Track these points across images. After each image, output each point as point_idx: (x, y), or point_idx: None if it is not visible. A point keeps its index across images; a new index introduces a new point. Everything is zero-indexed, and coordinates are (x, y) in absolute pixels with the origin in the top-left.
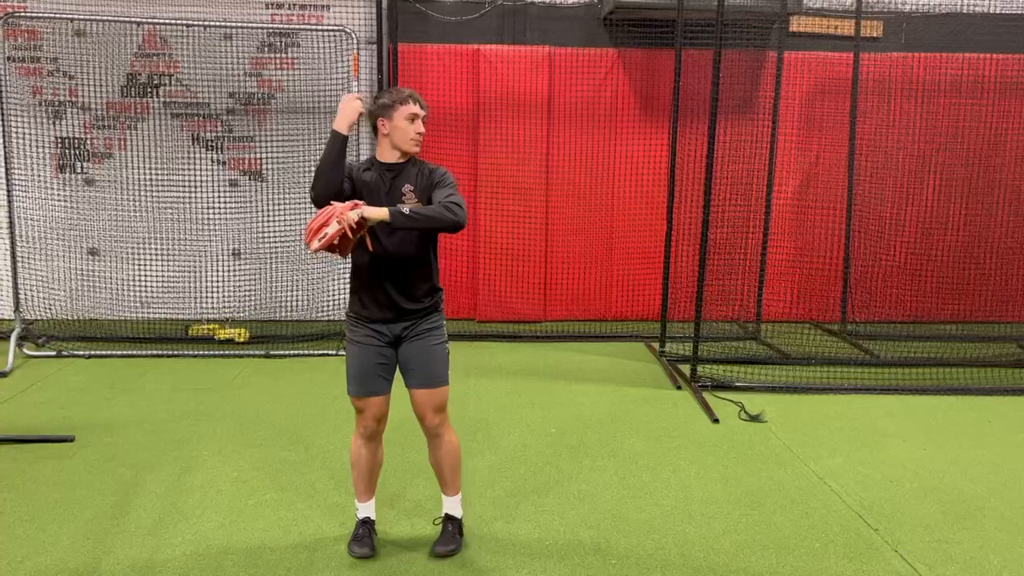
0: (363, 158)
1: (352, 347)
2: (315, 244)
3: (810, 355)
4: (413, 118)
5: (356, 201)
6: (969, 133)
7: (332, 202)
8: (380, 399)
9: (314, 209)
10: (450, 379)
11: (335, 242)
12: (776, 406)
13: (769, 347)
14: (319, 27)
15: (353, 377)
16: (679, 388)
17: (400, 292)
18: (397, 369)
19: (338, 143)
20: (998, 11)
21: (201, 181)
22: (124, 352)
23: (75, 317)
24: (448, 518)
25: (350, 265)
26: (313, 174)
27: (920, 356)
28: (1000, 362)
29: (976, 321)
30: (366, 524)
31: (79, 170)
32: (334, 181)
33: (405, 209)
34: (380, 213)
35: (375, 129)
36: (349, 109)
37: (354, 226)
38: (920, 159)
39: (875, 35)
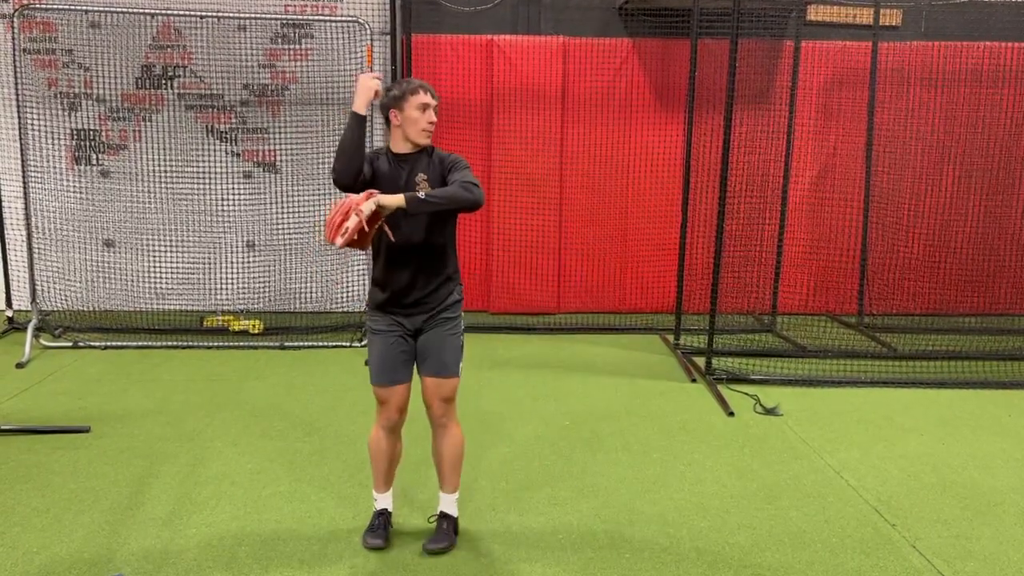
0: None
1: (374, 336)
2: (339, 241)
3: (827, 348)
4: (424, 108)
5: (370, 191)
6: (989, 123)
7: (348, 195)
8: (403, 387)
9: (332, 198)
10: (461, 372)
11: (355, 236)
12: (792, 399)
13: (785, 340)
14: (333, 18)
15: (377, 366)
16: (694, 381)
17: (418, 281)
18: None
19: (356, 123)
20: None
21: (215, 173)
22: (139, 343)
23: (91, 308)
24: (443, 516)
25: (367, 257)
26: (333, 156)
27: (938, 349)
28: (1020, 355)
29: (995, 314)
30: (383, 515)
31: (94, 162)
32: (355, 160)
33: (420, 194)
34: (396, 200)
35: (387, 120)
36: (365, 88)
37: (370, 217)
38: (939, 149)
39: (894, 24)
